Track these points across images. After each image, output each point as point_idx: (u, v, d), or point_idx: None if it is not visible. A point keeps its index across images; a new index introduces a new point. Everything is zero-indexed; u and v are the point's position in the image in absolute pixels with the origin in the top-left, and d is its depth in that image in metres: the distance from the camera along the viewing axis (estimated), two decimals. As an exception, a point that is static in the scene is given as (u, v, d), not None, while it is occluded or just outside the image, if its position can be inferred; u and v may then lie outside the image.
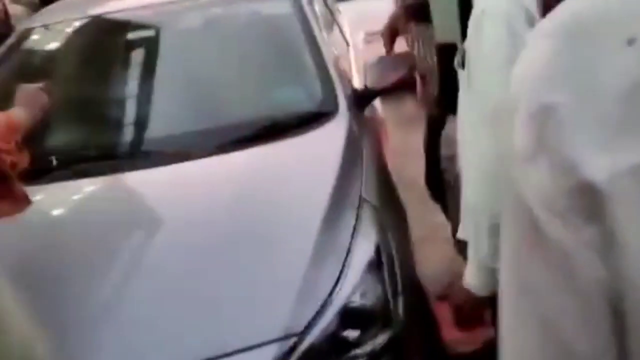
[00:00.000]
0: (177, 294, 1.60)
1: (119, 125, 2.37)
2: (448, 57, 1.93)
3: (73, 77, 2.59)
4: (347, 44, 3.22)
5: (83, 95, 2.48)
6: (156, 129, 2.30)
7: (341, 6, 4.08)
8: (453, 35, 1.84)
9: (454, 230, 2.60)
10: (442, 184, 2.43)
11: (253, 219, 1.81)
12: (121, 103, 2.44)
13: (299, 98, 2.31)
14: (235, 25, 2.58)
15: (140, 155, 2.20)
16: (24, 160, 1.58)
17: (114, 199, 2.10)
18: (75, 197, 2.14)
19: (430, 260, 2.71)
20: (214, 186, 1.98)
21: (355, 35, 3.86)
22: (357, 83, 2.54)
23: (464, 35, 1.79)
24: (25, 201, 1.59)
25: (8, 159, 1.52)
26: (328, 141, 2.09)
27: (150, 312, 1.56)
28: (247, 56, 2.46)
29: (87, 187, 2.13)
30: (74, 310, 1.59)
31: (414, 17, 2.14)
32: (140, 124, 2.36)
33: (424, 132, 2.60)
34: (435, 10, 1.85)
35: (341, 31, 3.24)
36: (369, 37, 5.13)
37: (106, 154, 2.24)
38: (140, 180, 2.08)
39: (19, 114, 1.63)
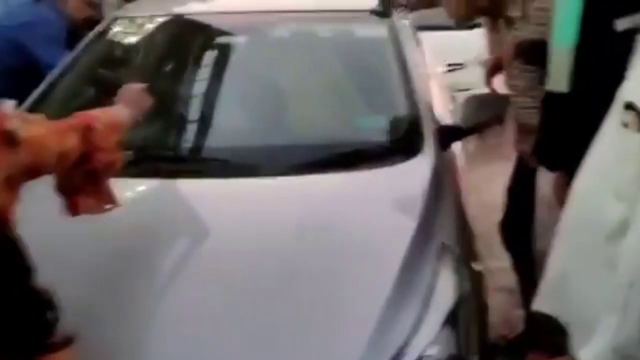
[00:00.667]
0: (235, 328, 1.50)
1: (191, 128, 2.33)
2: (555, 107, 1.83)
3: (152, 74, 2.56)
4: (430, 75, 3.12)
5: (159, 93, 2.44)
6: (230, 138, 2.22)
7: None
8: (565, 86, 1.73)
9: (523, 287, 2.50)
10: (523, 240, 2.32)
11: (326, 249, 1.71)
12: (196, 106, 2.38)
13: (383, 128, 2.21)
14: (326, 42, 2.52)
15: (211, 163, 2.13)
16: (119, 160, 1.53)
17: (177, 204, 2.02)
18: (138, 195, 2.08)
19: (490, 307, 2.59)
20: (285, 208, 1.87)
21: (435, 66, 3.77)
22: (442, 116, 2.44)
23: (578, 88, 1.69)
24: (112, 202, 1.55)
25: (105, 158, 1.47)
26: (412, 177, 1.98)
27: (211, 340, 1.47)
28: (333, 76, 2.39)
29: (153, 187, 2.07)
30: (135, 317, 1.52)
31: (523, 56, 2.02)
32: (214, 130, 2.29)
33: (511, 176, 2.49)
34: (554, 55, 1.73)
35: (425, 61, 3.14)
36: (450, 68, 5.06)
37: (175, 157, 2.19)
38: (208, 189, 1.99)
39: (121, 113, 1.58)
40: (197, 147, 2.26)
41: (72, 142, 1.36)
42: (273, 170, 2.00)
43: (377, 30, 2.52)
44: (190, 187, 2.02)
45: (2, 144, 1.19)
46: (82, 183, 1.47)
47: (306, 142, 2.14)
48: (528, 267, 2.27)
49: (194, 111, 2.36)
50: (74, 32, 2.90)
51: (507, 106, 2.31)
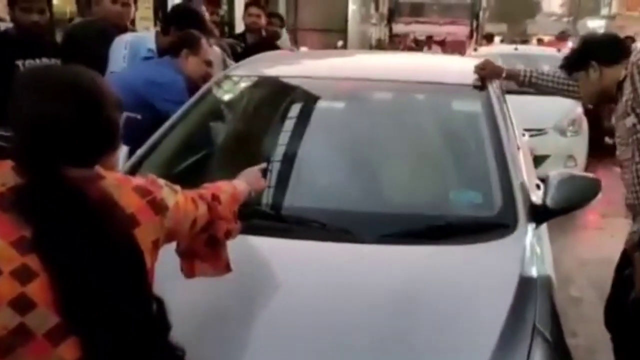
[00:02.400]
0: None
1: (285, 187, 2.41)
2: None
3: (251, 133, 2.69)
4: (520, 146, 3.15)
5: (257, 152, 2.57)
6: (322, 201, 2.30)
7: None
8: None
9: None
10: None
11: (419, 323, 1.74)
12: (292, 168, 2.47)
13: (476, 203, 2.25)
14: (423, 114, 2.59)
15: (305, 225, 2.15)
16: (237, 230, 1.66)
17: (265, 263, 2.03)
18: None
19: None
20: (375, 278, 1.90)
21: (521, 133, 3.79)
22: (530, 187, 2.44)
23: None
24: (226, 268, 1.66)
25: (225, 226, 1.59)
26: (506, 256, 2.00)
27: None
28: (428, 147, 2.45)
29: (249, 244, 2.14)
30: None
31: None
32: (307, 192, 2.37)
33: (621, 254, 2.47)
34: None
35: (517, 133, 3.17)
36: (531, 134, 5.05)
37: (270, 215, 2.27)
38: (297, 251, 2.03)
39: (242, 188, 1.74)
40: (292, 207, 2.33)
41: (202, 210, 1.49)
42: (367, 237, 2.05)
43: (472, 104, 2.58)
44: (280, 247, 2.06)
45: (155, 211, 1.31)
46: (201, 248, 1.58)
47: (401, 212, 2.19)
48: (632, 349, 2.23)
49: (289, 171, 2.46)
50: (192, 91, 3.04)
51: (599, 190, 2.32)
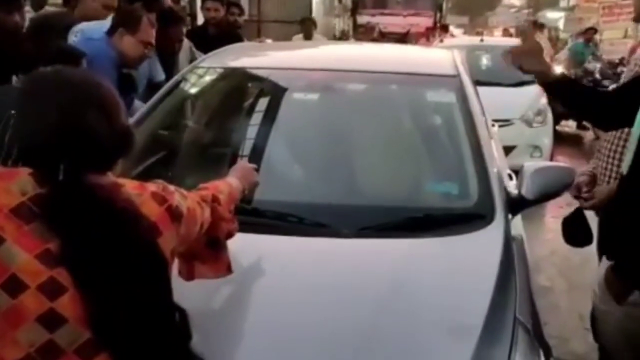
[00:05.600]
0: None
1: (260, 181, 2.36)
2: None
3: (221, 127, 2.64)
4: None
5: (229, 145, 2.51)
6: (298, 195, 2.26)
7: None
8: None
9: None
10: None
11: (401, 316, 1.72)
12: (267, 160, 2.41)
13: (453, 194, 2.24)
14: (397, 104, 2.56)
15: (279, 220, 2.11)
16: (236, 230, 1.61)
17: (245, 258, 2.02)
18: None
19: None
20: (355, 272, 1.88)
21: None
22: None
23: None
24: (227, 270, 1.61)
25: (226, 227, 1.55)
26: (484, 247, 1.99)
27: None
28: (403, 138, 2.43)
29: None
30: None
31: None
32: (283, 186, 2.32)
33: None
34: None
35: (489, 123, 3.17)
36: (499, 124, 5.10)
37: (245, 210, 2.22)
38: (277, 246, 1.98)
39: (236, 185, 1.68)
40: (267, 202, 2.26)
41: (207, 213, 1.44)
42: (345, 231, 2.02)
43: (446, 95, 2.57)
44: (257, 243, 2.01)
45: (172, 219, 1.26)
46: (202, 250, 1.53)
47: (378, 204, 2.17)
48: None
49: (264, 165, 2.40)
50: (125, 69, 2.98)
51: (573, 179, 2.34)
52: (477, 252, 1.98)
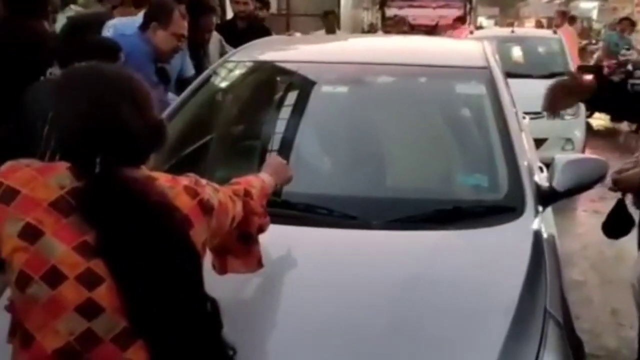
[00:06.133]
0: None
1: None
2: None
3: (252, 120, 2.66)
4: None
5: (258, 139, 2.54)
6: (328, 187, 2.28)
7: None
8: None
9: None
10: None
11: (429, 310, 1.72)
12: (297, 153, 2.42)
13: (483, 186, 2.23)
14: (426, 98, 2.56)
15: (309, 212, 2.12)
16: (267, 224, 1.64)
17: (275, 250, 2.04)
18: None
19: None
20: (385, 264, 1.88)
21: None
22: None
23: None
24: (258, 264, 1.64)
25: (257, 221, 1.57)
26: (514, 240, 1.99)
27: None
28: (432, 132, 2.43)
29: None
30: None
31: None
32: (313, 179, 2.32)
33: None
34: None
35: (520, 115, 3.14)
36: (531, 117, 5.04)
37: (272, 202, 2.22)
38: (301, 238, 1.99)
39: (268, 180, 1.70)
40: (298, 194, 2.25)
41: (239, 207, 1.47)
42: (374, 222, 2.03)
43: (477, 85, 2.55)
44: (287, 234, 2.02)
45: (204, 212, 1.29)
46: (234, 244, 1.56)
47: (407, 196, 2.17)
48: None
49: (294, 158, 2.42)
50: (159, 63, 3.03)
51: (606, 172, 2.31)
52: (507, 244, 1.97)
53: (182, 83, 3.28)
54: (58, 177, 1.19)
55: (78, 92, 1.23)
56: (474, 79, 2.63)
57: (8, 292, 1.36)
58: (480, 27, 17.31)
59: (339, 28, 7.99)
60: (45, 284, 1.14)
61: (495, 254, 1.93)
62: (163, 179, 1.28)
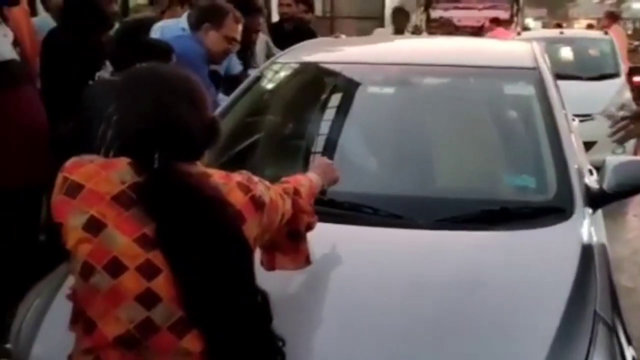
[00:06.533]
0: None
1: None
2: None
3: (300, 121, 2.69)
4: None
5: (304, 138, 2.57)
6: (375, 187, 2.29)
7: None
8: None
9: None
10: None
11: (477, 310, 1.71)
12: (344, 153, 2.44)
13: (531, 187, 2.21)
14: (473, 98, 2.55)
15: (356, 211, 2.13)
16: (315, 222, 1.67)
17: (323, 248, 2.05)
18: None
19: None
20: (433, 263, 1.89)
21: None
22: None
23: None
24: (306, 262, 1.68)
25: (306, 219, 1.61)
26: (563, 241, 1.97)
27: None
28: (479, 133, 2.42)
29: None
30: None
31: None
32: (360, 178, 2.33)
33: None
34: None
35: (570, 117, 3.10)
36: (580, 119, 4.95)
37: (320, 200, 2.25)
38: (354, 235, 2.02)
39: (316, 180, 1.74)
40: (345, 193, 2.25)
41: (288, 205, 1.51)
42: (421, 222, 2.03)
43: (526, 86, 2.53)
44: (335, 231, 2.07)
45: (256, 207, 1.33)
46: (283, 241, 1.60)
47: (455, 196, 2.17)
48: None
49: (342, 158, 2.44)
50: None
51: None
52: (556, 245, 1.96)
53: (230, 80, 3.35)
54: (120, 172, 1.25)
55: (139, 93, 1.30)
56: (522, 79, 2.61)
57: (69, 282, 1.43)
58: (526, 29, 17.01)
59: (406, 28, 7.44)
60: (107, 274, 1.20)
61: (544, 255, 1.92)
62: (217, 175, 1.33)
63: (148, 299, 1.20)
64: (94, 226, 1.21)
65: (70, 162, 1.29)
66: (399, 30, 7.11)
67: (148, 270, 1.20)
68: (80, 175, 1.25)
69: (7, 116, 2.46)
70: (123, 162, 1.27)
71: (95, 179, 1.24)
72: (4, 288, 1.99)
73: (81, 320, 1.26)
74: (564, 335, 1.62)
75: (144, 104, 1.27)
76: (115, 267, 1.20)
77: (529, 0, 28.15)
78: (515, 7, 15.66)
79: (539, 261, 1.89)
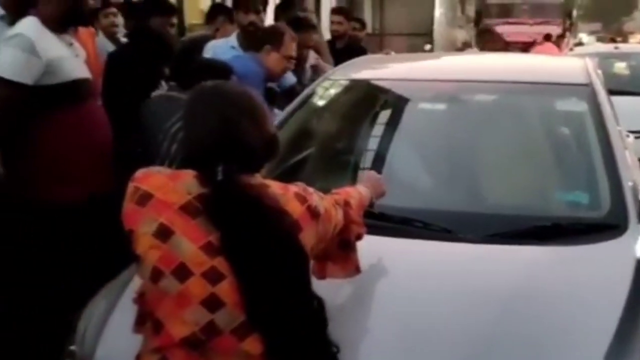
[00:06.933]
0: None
1: (389, 187, 2.41)
2: None
3: (351, 136, 2.74)
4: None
5: (354, 153, 2.62)
6: (426, 201, 2.31)
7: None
8: None
9: None
10: None
11: (529, 325, 1.69)
12: (395, 167, 2.49)
13: (583, 203, 2.20)
14: (524, 114, 2.56)
15: (406, 224, 2.15)
16: (364, 233, 1.72)
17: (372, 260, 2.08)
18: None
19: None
20: (485, 277, 1.89)
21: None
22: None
23: None
24: (356, 271, 1.73)
25: (356, 230, 1.66)
26: (616, 257, 1.95)
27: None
28: (531, 149, 2.42)
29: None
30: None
31: None
32: (411, 193, 2.37)
33: None
34: None
35: (623, 133, 3.06)
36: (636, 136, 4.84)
37: (371, 213, 2.28)
38: (405, 249, 2.04)
39: (365, 193, 1.80)
40: (397, 208, 2.25)
41: (340, 216, 1.56)
42: (472, 237, 2.05)
43: (578, 102, 2.52)
44: (385, 244, 2.09)
45: (312, 217, 1.39)
46: (334, 251, 1.65)
47: (506, 212, 2.18)
48: None
49: (393, 172, 2.48)
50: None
51: None
52: (609, 261, 1.94)
53: (286, 93, 3.45)
54: (186, 183, 1.33)
55: (206, 109, 1.38)
56: (575, 95, 2.60)
57: (133, 287, 1.51)
58: (580, 44, 16.70)
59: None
60: (175, 279, 1.27)
61: (597, 271, 1.91)
62: (275, 186, 1.39)
63: (212, 303, 1.26)
64: (163, 233, 1.28)
65: (140, 173, 1.38)
66: (484, 49, 6.86)
67: (213, 276, 1.27)
68: (149, 185, 1.33)
69: (79, 131, 2.58)
70: (189, 174, 1.34)
71: (164, 189, 1.32)
72: (72, 295, 2.09)
73: (150, 321, 1.33)
74: (616, 352, 1.61)
75: (211, 121, 1.35)
76: (183, 273, 1.27)
77: (582, 15, 27.63)
78: (567, 22, 15.43)
79: (591, 277, 1.88)
